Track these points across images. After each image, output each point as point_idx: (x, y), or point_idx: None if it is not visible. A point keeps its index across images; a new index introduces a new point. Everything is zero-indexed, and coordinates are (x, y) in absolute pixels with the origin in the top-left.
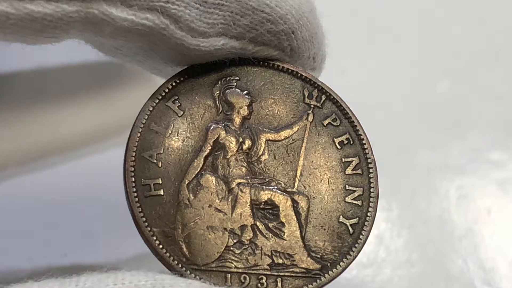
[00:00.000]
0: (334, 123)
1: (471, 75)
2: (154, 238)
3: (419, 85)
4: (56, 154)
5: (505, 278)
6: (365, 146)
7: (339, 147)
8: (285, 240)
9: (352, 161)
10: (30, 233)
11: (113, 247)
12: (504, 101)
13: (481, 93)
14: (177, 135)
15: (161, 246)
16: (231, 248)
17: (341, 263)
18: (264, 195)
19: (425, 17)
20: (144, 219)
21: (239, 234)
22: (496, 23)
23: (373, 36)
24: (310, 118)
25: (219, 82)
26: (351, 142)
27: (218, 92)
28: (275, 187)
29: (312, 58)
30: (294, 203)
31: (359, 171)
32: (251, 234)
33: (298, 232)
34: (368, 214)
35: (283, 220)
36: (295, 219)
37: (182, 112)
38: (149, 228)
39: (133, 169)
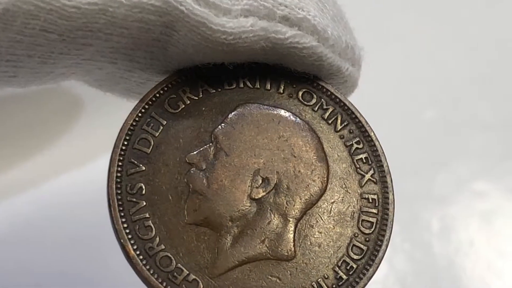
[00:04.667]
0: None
1: (457, 103)
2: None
3: (404, 113)
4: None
5: None
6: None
7: None
8: None
9: None
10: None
11: None
12: (490, 131)
13: (466, 122)
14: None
15: None
16: None
17: None
18: None
19: (412, 43)
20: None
21: None
22: (484, 52)
23: None
24: None
25: None
26: None
27: None
28: None
29: (351, 48)
30: None
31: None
32: None
33: None
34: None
35: None
36: None
37: None
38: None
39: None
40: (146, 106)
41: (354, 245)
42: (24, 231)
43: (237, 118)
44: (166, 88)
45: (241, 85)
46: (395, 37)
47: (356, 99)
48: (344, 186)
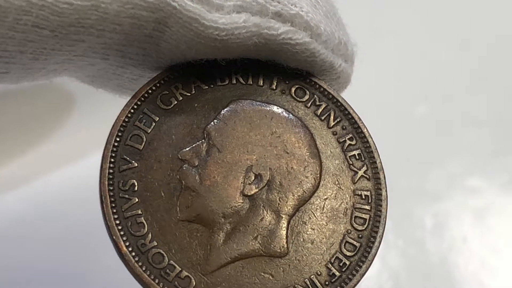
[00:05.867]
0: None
1: (449, 99)
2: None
3: (397, 109)
4: None
5: None
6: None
7: None
8: None
9: None
10: None
11: None
12: (482, 127)
13: (459, 118)
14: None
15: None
16: None
17: None
18: None
19: (405, 40)
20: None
21: None
22: (476, 48)
23: None
24: None
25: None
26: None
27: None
28: None
29: (344, 43)
30: None
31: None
32: None
33: None
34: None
35: None
36: None
37: None
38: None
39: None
40: (139, 103)
41: (347, 241)
42: (16, 227)
43: (230, 115)
44: (158, 84)
45: (234, 81)
46: (388, 33)
47: (349, 96)
48: (337, 182)
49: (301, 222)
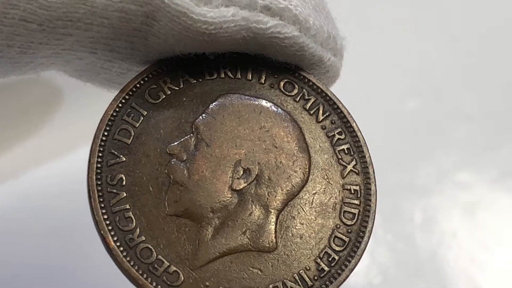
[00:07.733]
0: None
1: (439, 94)
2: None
3: (387, 103)
4: None
5: None
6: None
7: None
8: None
9: None
10: None
11: None
12: (473, 122)
13: (449, 113)
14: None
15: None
16: None
17: None
18: None
19: (394, 33)
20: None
21: None
22: (466, 42)
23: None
24: None
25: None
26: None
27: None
28: None
29: (333, 37)
30: None
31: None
32: None
33: None
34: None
35: None
36: None
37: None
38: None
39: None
40: (127, 97)
41: (336, 236)
42: (3, 222)
43: (218, 109)
44: (146, 79)
45: (222, 75)
46: (377, 27)
47: (338, 90)
48: (326, 177)
49: (290, 217)
